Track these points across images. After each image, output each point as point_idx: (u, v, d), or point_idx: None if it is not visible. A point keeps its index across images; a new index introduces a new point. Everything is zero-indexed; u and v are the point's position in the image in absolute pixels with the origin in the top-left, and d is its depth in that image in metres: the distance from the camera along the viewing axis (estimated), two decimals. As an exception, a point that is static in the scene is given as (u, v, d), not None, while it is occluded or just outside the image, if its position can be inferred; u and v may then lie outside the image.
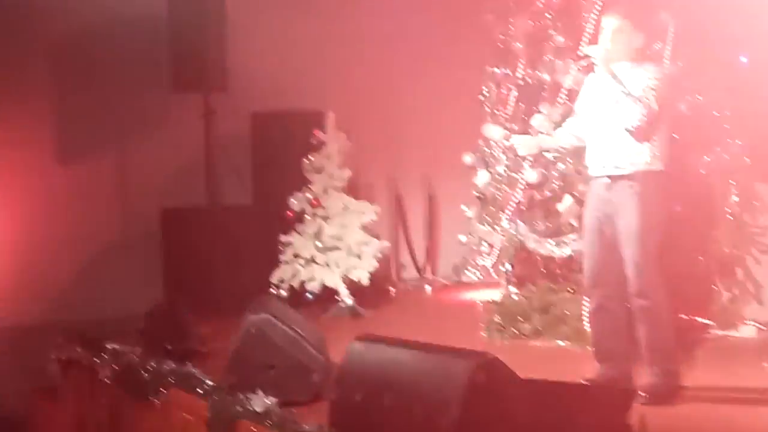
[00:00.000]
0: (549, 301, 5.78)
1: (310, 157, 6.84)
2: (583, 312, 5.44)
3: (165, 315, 5.34)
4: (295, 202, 6.75)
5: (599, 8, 5.57)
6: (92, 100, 6.88)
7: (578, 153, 5.58)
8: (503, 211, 5.95)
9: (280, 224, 6.77)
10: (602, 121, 4.46)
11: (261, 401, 3.85)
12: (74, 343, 5.16)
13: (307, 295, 6.65)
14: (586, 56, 4.51)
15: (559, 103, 5.69)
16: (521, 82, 5.94)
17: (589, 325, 5.37)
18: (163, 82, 6.93)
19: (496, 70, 6.23)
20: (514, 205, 5.87)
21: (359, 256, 6.68)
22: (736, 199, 5.74)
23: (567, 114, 5.67)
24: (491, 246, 6.04)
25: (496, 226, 5.99)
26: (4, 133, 6.49)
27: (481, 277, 6.42)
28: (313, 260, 6.63)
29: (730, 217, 5.70)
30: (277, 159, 7.24)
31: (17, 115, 6.56)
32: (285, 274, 6.61)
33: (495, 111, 6.24)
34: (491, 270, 6.25)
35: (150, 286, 6.70)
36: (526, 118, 5.94)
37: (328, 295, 6.73)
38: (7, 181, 6.50)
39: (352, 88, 7.60)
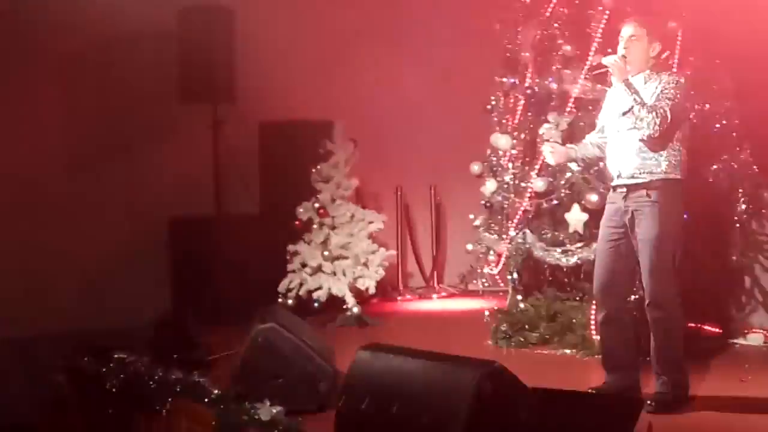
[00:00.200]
0: (556, 310, 5.78)
1: (317, 166, 6.86)
2: (590, 320, 5.44)
3: (172, 324, 5.35)
4: (302, 211, 6.76)
5: (606, 18, 5.60)
6: (102, 111, 6.91)
7: (586, 162, 5.60)
8: (510, 220, 5.95)
9: (288, 233, 6.77)
10: (618, 131, 4.46)
11: (268, 410, 3.84)
12: (81, 352, 5.16)
13: (314, 304, 6.65)
14: (602, 66, 4.52)
15: (567, 113, 5.70)
16: (529, 92, 5.94)
17: (597, 334, 5.38)
18: (172, 93, 6.96)
19: (504, 79, 6.24)
20: (522, 213, 5.87)
21: (366, 265, 6.69)
22: (744, 207, 5.74)
23: (575, 123, 5.70)
24: (498, 254, 6.03)
25: (503, 235, 5.99)
26: (14, 143, 6.51)
27: (488, 286, 6.41)
28: (320, 269, 6.64)
29: (738, 225, 5.70)
30: (284, 168, 7.26)
31: (28, 125, 6.59)
32: (292, 283, 6.62)
33: (503, 120, 6.25)
34: (498, 278, 6.25)
35: (158, 296, 6.71)
36: (533, 127, 5.95)
37: (335, 303, 6.73)
38: (17, 190, 6.52)
39: (359, 98, 7.62)
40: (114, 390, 4.62)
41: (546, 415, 3.23)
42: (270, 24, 7.44)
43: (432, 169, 8.27)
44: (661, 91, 4.30)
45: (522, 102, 6.10)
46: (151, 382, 4.43)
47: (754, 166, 5.80)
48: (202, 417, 4.10)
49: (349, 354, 3.77)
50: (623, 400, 3.85)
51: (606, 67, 4.47)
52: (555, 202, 5.71)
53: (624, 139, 4.41)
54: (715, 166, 5.70)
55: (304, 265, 6.66)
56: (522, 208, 5.86)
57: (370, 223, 6.81)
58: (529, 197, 5.82)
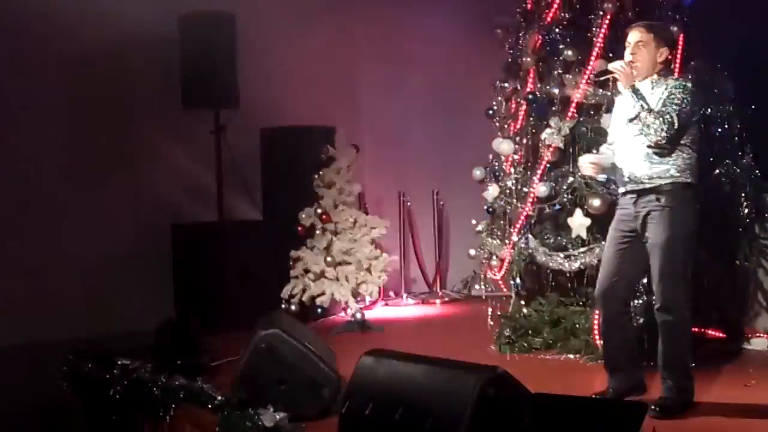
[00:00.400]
0: (559, 315, 5.77)
1: (319, 172, 6.87)
2: (594, 325, 5.44)
3: (175, 330, 5.35)
4: (304, 217, 6.77)
5: (608, 23, 5.61)
6: (105, 117, 6.93)
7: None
8: (513, 225, 5.95)
9: (291, 239, 6.78)
10: (627, 137, 4.46)
11: (271, 416, 3.84)
12: (85, 359, 5.16)
13: (317, 309, 6.66)
14: (609, 72, 4.52)
15: (569, 117, 5.70)
16: (530, 96, 5.95)
17: (600, 338, 5.37)
18: (174, 99, 6.98)
19: (505, 84, 6.25)
20: (524, 218, 5.87)
21: (369, 271, 6.69)
22: (747, 211, 5.74)
23: (576, 128, 5.70)
24: (501, 260, 6.03)
25: (505, 240, 5.99)
26: (17, 148, 6.53)
27: (491, 291, 6.41)
28: (323, 275, 6.64)
29: (741, 230, 5.70)
30: (287, 174, 7.27)
31: (31, 131, 6.60)
32: (295, 289, 6.62)
33: (505, 125, 6.25)
34: (501, 284, 6.25)
35: (161, 302, 6.71)
36: (535, 132, 5.95)
37: (337, 309, 6.73)
38: (20, 195, 6.53)
39: (361, 104, 7.63)
40: (118, 396, 4.62)
41: (549, 421, 3.22)
42: (272, 30, 7.46)
43: (434, 174, 8.29)
44: (668, 96, 4.29)
45: (524, 107, 6.10)
46: (154, 388, 4.43)
47: (757, 171, 5.80)
48: (205, 423, 4.10)
49: (352, 360, 3.77)
50: (627, 405, 3.84)
51: (612, 73, 4.47)
52: (557, 207, 5.71)
53: (632, 144, 4.41)
54: (717, 171, 5.70)
55: (306, 271, 6.66)
56: (524, 213, 5.85)
57: (373, 228, 6.82)
58: (531, 202, 5.81)
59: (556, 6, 5.93)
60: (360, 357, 3.71)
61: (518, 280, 5.98)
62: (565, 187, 5.67)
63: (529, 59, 6.00)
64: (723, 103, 5.78)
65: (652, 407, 4.19)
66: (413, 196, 8.33)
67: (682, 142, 4.32)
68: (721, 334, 5.69)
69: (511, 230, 5.95)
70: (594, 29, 5.68)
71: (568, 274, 5.75)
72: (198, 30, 6.93)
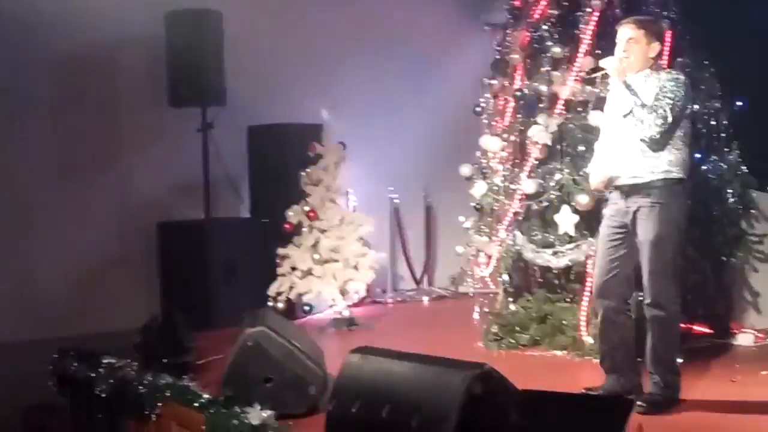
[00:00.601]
0: (546, 311, 5.78)
1: (307, 169, 6.85)
2: (580, 322, 5.44)
3: (161, 328, 5.32)
4: (292, 215, 6.75)
5: (596, 19, 5.61)
6: (91, 115, 6.89)
7: (574, 163, 5.61)
8: (500, 222, 5.95)
9: (278, 237, 6.76)
10: (619, 132, 4.46)
11: (258, 414, 3.83)
12: (70, 357, 5.14)
13: (305, 307, 6.64)
14: (600, 69, 4.51)
15: (557, 114, 5.70)
16: (518, 93, 5.95)
17: (588, 335, 5.38)
18: (161, 97, 6.95)
19: (493, 81, 6.24)
20: (512, 215, 5.87)
21: (356, 268, 6.68)
22: (734, 207, 5.76)
23: (564, 125, 5.70)
24: (489, 256, 6.03)
25: (493, 237, 5.99)
26: (2, 147, 6.48)
27: (479, 288, 6.41)
28: (310, 272, 6.63)
29: (728, 225, 5.72)
30: (274, 172, 7.26)
31: (17, 130, 6.56)
32: (282, 287, 6.60)
33: (492, 122, 6.25)
34: (488, 280, 6.25)
35: (147, 300, 6.69)
36: (523, 129, 5.95)
37: (325, 307, 6.72)
38: (4, 193, 6.49)
39: (348, 101, 7.61)
40: (103, 395, 4.60)
41: (536, 417, 3.22)
42: (258, 27, 7.43)
43: (422, 171, 8.28)
44: (661, 90, 4.29)
45: (511, 104, 6.10)
46: (140, 387, 4.41)
47: (743, 167, 5.82)
48: (191, 421, 4.08)
49: (340, 357, 3.76)
50: (613, 400, 3.84)
51: (604, 69, 4.47)
52: (545, 203, 5.71)
53: (625, 140, 4.41)
54: (704, 167, 5.72)
55: (294, 269, 6.64)
56: (512, 210, 5.86)
57: (360, 226, 6.80)
58: (519, 199, 5.82)
59: (544, 3, 5.93)
60: (347, 354, 3.71)
61: (506, 277, 5.98)
62: (552, 184, 5.68)
63: (517, 56, 6.01)
64: (709, 99, 5.79)
65: (639, 403, 4.19)
66: (401, 193, 8.32)
67: (674, 135, 4.32)
68: (707, 330, 5.71)
69: (499, 227, 5.95)
70: (582, 26, 5.68)
71: (555, 271, 5.76)
72: (184, 27, 6.90)
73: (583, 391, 4.50)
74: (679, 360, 4.51)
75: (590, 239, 5.38)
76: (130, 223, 7.06)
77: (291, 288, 6.59)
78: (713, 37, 5.78)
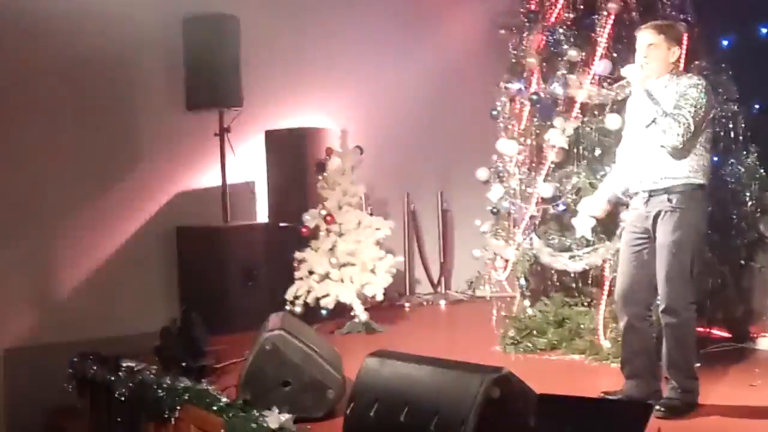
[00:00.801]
0: (563, 315, 5.77)
1: (324, 173, 6.87)
2: (598, 325, 5.43)
3: (180, 332, 5.35)
4: (309, 219, 6.77)
5: (611, 22, 5.60)
6: (109, 119, 6.93)
7: (591, 166, 5.60)
8: (517, 226, 5.94)
9: (295, 241, 6.78)
10: (640, 139, 4.44)
11: (276, 418, 3.85)
12: (90, 361, 5.18)
13: (322, 311, 6.65)
14: (622, 77, 4.50)
15: (573, 118, 5.70)
16: (534, 97, 5.94)
17: (605, 339, 5.37)
18: (179, 101, 6.99)
19: (509, 85, 6.24)
20: (528, 219, 5.87)
21: (374, 272, 6.68)
22: (752, 210, 5.73)
23: (580, 128, 5.69)
24: (505, 260, 6.02)
25: (510, 241, 5.99)
26: (21, 151, 6.53)
27: (496, 292, 6.41)
28: (327, 276, 6.64)
29: (746, 229, 5.69)
30: (291, 176, 7.28)
31: (35, 133, 6.61)
32: (299, 291, 6.61)
33: (509, 126, 6.25)
34: (506, 284, 6.24)
35: (165, 304, 6.72)
36: (539, 132, 5.95)
37: (342, 310, 6.73)
38: (24, 198, 6.54)
39: (365, 105, 7.63)
40: (123, 398, 4.64)
41: (554, 421, 3.22)
42: (276, 32, 7.46)
43: (439, 175, 8.29)
44: (682, 96, 4.27)
45: (528, 107, 6.09)
46: (159, 390, 4.45)
47: (761, 170, 5.80)
48: (210, 424, 4.11)
49: (357, 361, 3.77)
50: (632, 405, 3.83)
51: (625, 77, 4.46)
52: (562, 207, 5.70)
53: (646, 146, 4.39)
54: (722, 170, 5.69)
55: (311, 273, 6.65)
56: (529, 214, 5.85)
57: (377, 229, 6.81)
58: (536, 203, 5.81)
59: (560, 6, 5.92)
60: (365, 358, 3.72)
61: (523, 281, 5.98)
62: (569, 188, 5.67)
63: (533, 59, 6.00)
64: (727, 102, 5.77)
65: (657, 407, 4.18)
66: (417, 197, 8.33)
67: (696, 142, 4.31)
68: (726, 334, 5.68)
69: (516, 231, 5.95)
70: (598, 29, 5.67)
71: (572, 275, 5.75)
72: (202, 32, 6.94)
73: (601, 395, 4.49)
74: (697, 364, 4.48)
75: (607, 243, 5.37)
76: (148, 227, 7.09)
77: (308, 292, 6.60)
78: (730, 38, 5.76)
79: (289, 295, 6.61)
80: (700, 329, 5.21)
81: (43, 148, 6.63)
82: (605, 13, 5.64)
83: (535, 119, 6.01)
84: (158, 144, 7.17)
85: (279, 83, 7.40)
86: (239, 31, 7.08)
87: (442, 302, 8.08)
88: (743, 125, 5.81)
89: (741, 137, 5.79)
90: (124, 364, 4.80)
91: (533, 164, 6.01)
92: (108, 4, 6.69)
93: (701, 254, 4.48)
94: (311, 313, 6.59)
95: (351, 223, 6.77)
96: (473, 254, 6.31)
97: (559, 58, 5.85)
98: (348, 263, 6.67)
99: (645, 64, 4.39)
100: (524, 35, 6.20)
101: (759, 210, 5.76)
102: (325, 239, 6.73)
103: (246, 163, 7.36)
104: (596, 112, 5.68)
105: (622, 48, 5.43)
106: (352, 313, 6.68)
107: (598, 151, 5.58)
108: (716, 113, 5.59)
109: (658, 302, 4.45)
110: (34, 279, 6.55)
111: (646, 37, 4.42)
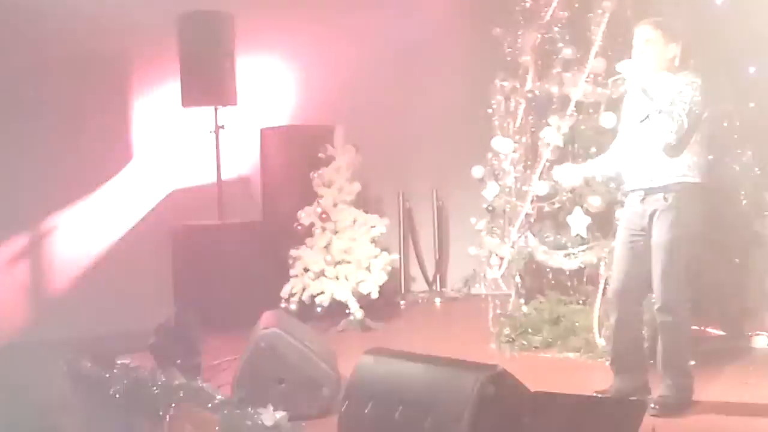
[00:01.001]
0: (559, 313, 5.78)
1: (319, 171, 6.86)
2: (593, 324, 5.44)
3: (175, 330, 5.34)
4: (304, 216, 6.76)
5: (606, 20, 5.60)
6: (103, 116, 6.92)
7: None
8: (512, 224, 5.95)
9: (290, 238, 6.77)
10: (636, 136, 4.45)
11: (271, 415, 3.84)
12: (84, 358, 5.16)
13: (317, 308, 6.65)
14: (618, 73, 4.51)
15: (568, 116, 5.70)
16: (530, 95, 5.94)
17: (601, 336, 5.37)
18: (173, 98, 6.98)
19: (504, 83, 6.24)
20: (524, 217, 5.87)
21: (369, 270, 6.68)
22: (747, 209, 5.73)
23: (575, 126, 5.69)
24: (501, 258, 6.02)
25: (505, 239, 5.99)
26: (15, 148, 6.52)
27: (491, 290, 6.41)
28: (322, 274, 6.64)
29: (741, 227, 5.69)
30: (286, 173, 7.27)
31: (30, 131, 6.60)
32: (295, 288, 6.62)
33: (504, 124, 6.25)
34: (501, 282, 6.25)
35: (160, 302, 6.71)
36: (534, 130, 5.95)
37: (337, 308, 6.73)
38: (19, 195, 6.52)
39: (360, 102, 7.62)
40: (117, 395, 4.63)
41: (549, 419, 3.23)
42: (270, 29, 7.45)
43: (434, 173, 8.28)
44: (678, 94, 4.27)
45: (523, 105, 6.09)
46: (154, 388, 4.43)
47: (756, 168, 5.79)
48: (205, 422, 4.10)
49: (352, 359, 3.77)
50: (627, 403, 3.84)
51: (621, 73, 4.46)
52: (557, 205, 5.71)
53: (641, 143, 4.39)
54: (717, 169, 5.69)
55: (306, 270, 6.66)
56: (524, 212, 5.85)
57: (373, 227, 6.81)
58: (531, 200, 5.82)
59: (555, 4, 5.92)
60: (360, 356, 3.72)
61: (518, 279, 5.99)
62: (564, 186, 5.67)
63: (528, 57, 6.00)
64: (722, 100, 5.76)
65: (652, 405, 4.19)
66: (413, 195, 8.32)
67: (692, 140, 4.31)
68: (721, 332, 5.69)
69: (511, 229, 5.95)
70: (593, 27, 5.67)
71: (567, 273, 5.76)
72: (197, 29, 6.93)
73: (595, 394, 4.50)
74: (692, 362, 4.50)
75: (603, 241, 5.38)
76: (143, 225, 7.09)
77: (304, 289, 6.60)
78: (726, 37, 5.75)
79: (284, 292, 6.61)
80: (695, 327, 5.22)
81: (37, 145, 6.62)
82: (600, 11, 5.64)
83: (531, 117, 6.02)
84: (153, 141, 7.16)
85: (274, 80, 7.39)
86: (234, 28, 7.07)
87: (438, 300, 8.07)
88: (738, 123, 5.81)
89: (736, 135, 5.79)
90: (119, 362, 4.78)
91: (528, 162, 6.01)
92: (103, 1, 6.67)
93: (698, 252, 4.49)
94: (306, 310, 6.59)
95: (346, 220, 6.77)
96: (469, 252, 6.31)
97: (555, 56, 5.86)
98: (343, 261, 6.67)
99: (641, 62, 4.39)
100: (519, 33, 6.20)
101: (753, 208, 5.76)
102: (321, 237, 6.73)
103: (241, 160, 7.34)
104: (591, 110, 5.68)
105: (617, 46, 5.43)
106: (347, 311, 6.67)
107: (593, 149, 5.58)
108: (711, 111, 5.60)
109: (653, 300, 4.46)
110: (28, 276, 6.54)
111: (643, 32, 4.42)
